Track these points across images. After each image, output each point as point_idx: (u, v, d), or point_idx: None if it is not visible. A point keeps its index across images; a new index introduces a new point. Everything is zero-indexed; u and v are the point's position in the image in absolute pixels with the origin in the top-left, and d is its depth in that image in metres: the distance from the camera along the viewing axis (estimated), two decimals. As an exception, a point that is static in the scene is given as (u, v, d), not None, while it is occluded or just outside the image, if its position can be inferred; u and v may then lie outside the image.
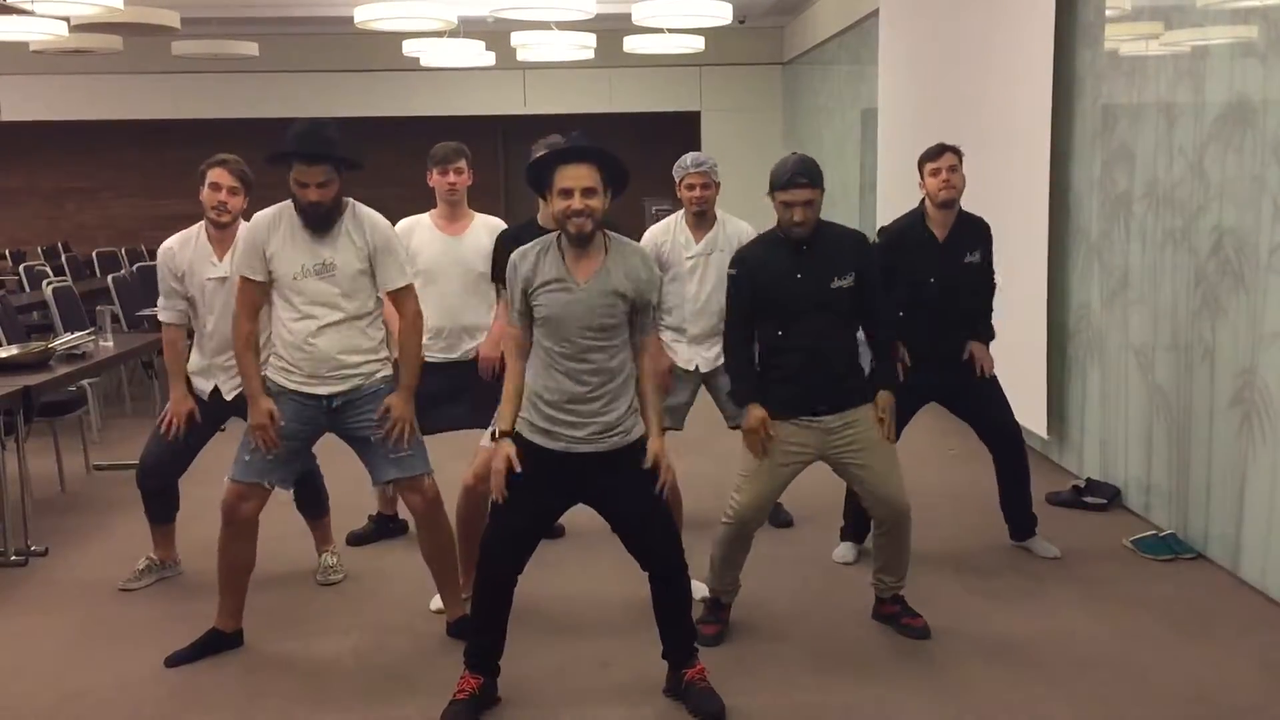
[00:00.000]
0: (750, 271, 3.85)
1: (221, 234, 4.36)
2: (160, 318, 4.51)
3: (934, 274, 4.51)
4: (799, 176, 3.73)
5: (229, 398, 4.41)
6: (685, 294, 4.83)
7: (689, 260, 4.82)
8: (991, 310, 4.75)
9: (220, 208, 4.30)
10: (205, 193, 4.31)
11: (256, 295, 3.85)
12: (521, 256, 3.38)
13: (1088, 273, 5.82)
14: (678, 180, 4.86)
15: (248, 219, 4.12)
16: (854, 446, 3.85)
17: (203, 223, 4.40)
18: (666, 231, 4.90)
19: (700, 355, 4.88)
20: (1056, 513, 5.32)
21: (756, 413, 3.83)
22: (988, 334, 4.71)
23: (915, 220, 4.59)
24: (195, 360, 4.49)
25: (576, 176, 3.26)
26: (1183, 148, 4.86)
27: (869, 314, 3.94)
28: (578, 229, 3.28)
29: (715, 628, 3.99)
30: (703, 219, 4.84)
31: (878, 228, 4.66)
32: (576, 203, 3.25)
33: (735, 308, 3.92)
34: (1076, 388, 5.98)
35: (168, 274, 4.41)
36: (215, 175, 4.30)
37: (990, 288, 4.74)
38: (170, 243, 4.42)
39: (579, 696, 3.62)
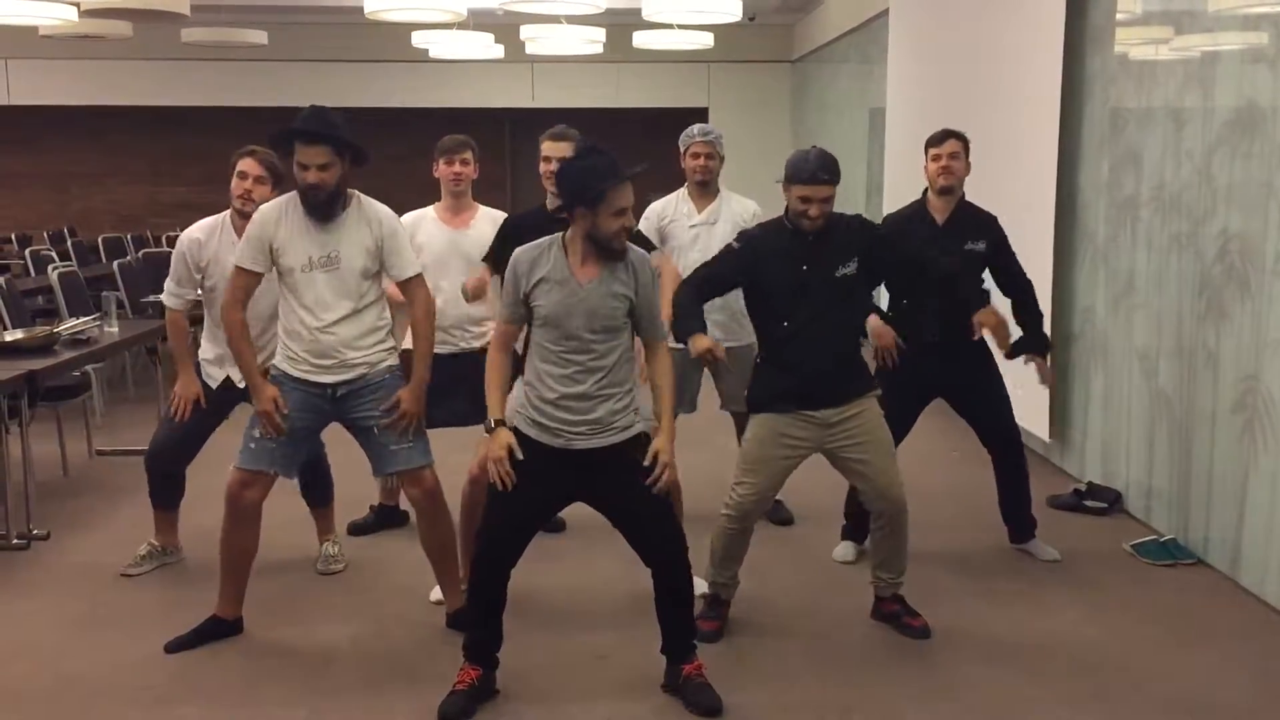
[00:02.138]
0: (755, 255, 3.84)
1: (246, 224, 4.36)
2: (165, 302, 4.53)
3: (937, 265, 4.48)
4: (822, 173, 3.71)
5: (242, 386, 4.41)
6: (686, 264, 4.83)
7: (691, 229, 4.88)
8: (1040, 317, 4.62)
9: (245, 196, 4.31)
10: (234, 182, 4.34)
11: (249, 285, 3.87)
12: (524, 257, 3.39)
13: (1093, 276, 5.82)
14: (683, 149, 4.94)
15: None
16: (853, 440, 3.85)
17: (228, 212, 4.42)
18: (669, 205, 4.96)
19: None
20: (1057, 516, 5.33)
21: (702, 340, 3.69)
22: (1041, 345, 4.59)
23: (917, 208, 4.64)
24: (208, 348, 4.51)
25: (630, 197, 3.31)
26: (1190, 153, 4.86)
27: (889, 271, 3.96)
28: (622, 246, 3.35)
29: (714, 624, 3.99)
30: (706, 189, 4.92)
31: (883, 217, 4.67)
32: (629, 221, 3.33)
33: (714, 270, 3.89)
34: (1080, 391, 5.98)
35: (188, 264, 4.41)
36: (244, 165, 4.34)
37: (1023, 287, 4.62)
38: (197, 233, 4.43)
39: (577, 689, 3.62)
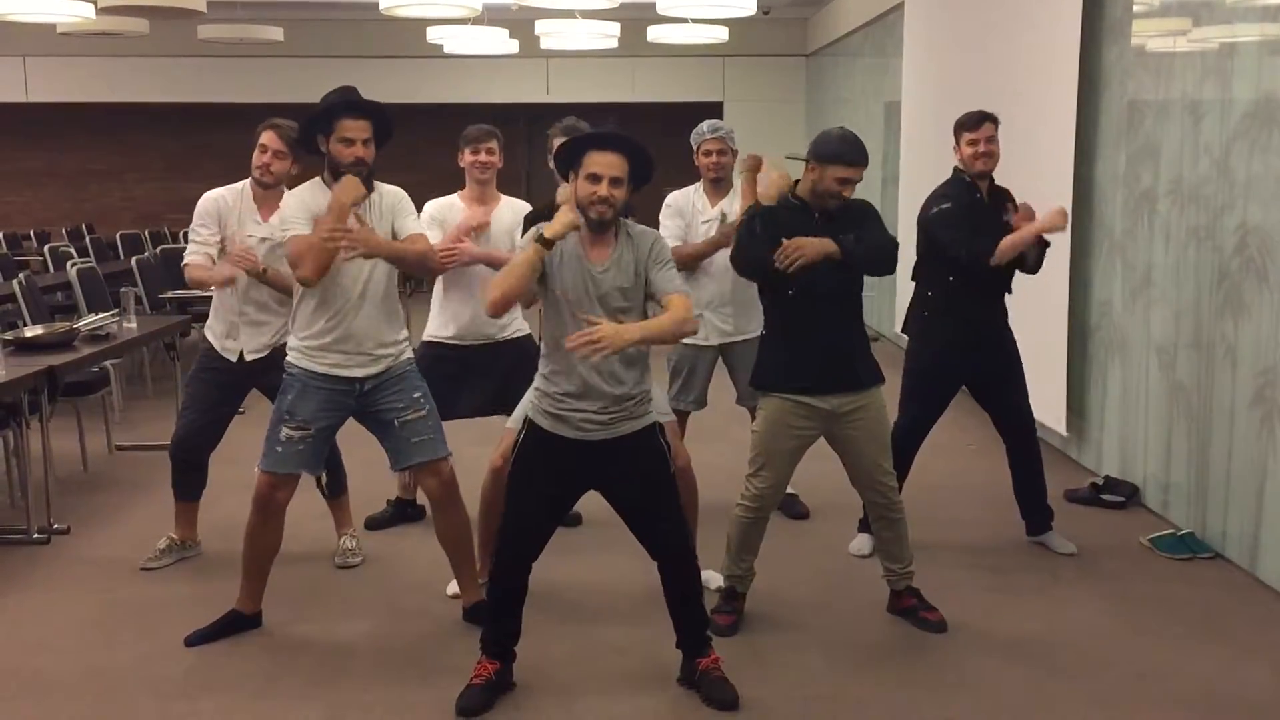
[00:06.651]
0: (769, 223, 3.83)
1: (266, 196, 4.44)
2: (188, 259, 4.50)
3: (995, 237, 4.42)
4: (863, 157, 3.78)
5: (250, 358, 4.49)
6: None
7: (703, 224, 4.95)
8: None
9: (264, 169, 4.40)
10: (255, 154, 4.42)
11: None
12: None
13: (1110, 269, 5.80)
14: (695, 146, 5.02)
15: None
16: (853, 431, 3.91)
17: (249, 180, 4.50)
18: (686, 199, 5.04)
19: (715, 328, 4.98)
20: (1074, 510, 5.31)
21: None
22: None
23: (964, 189, 4.52)
24: (216, 323, 4.56)
25: (607, 164, 3.28)
26: (1208, 145, 4.83)
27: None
28: (599, 215, 3.30)
29: (730, 618, 4.00)
30: (719, 185, 5.00)
31: (928, 203, 4.52)
32: (602, 190, 3.27)
33: (749, 234, 3.85)
34: (1097, 385, 5.96)
35: (207, 219, 4.46)
36: (265, 138, 4.41)
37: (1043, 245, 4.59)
38: (220, 190, 4.50)
39: (594, 683, 3.64)
